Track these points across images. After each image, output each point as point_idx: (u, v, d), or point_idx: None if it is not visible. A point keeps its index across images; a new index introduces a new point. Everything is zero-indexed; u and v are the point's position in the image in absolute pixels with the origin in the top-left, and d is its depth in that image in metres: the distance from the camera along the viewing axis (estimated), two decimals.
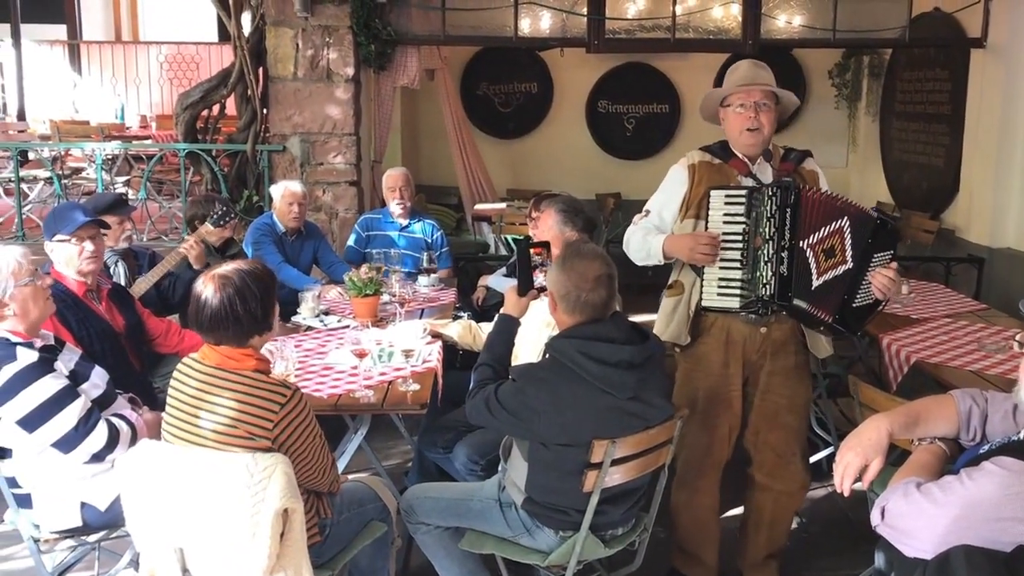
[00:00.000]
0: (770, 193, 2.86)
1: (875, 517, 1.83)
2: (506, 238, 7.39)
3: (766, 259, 2.87)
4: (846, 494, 1.95)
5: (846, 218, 2.75)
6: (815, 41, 6.63)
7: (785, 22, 6.51)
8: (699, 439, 3.10)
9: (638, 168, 9.57)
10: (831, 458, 4.11)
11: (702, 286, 3.01)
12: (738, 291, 2.95)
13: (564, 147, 9.74)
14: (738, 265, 2.94)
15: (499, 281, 4.81)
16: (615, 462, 2.50)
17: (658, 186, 3.19)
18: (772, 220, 2.85)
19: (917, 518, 1.73)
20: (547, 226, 3.68)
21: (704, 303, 3.01)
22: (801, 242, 2.83)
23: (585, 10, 6.43)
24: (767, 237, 2.87)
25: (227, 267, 2.41)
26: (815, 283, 2.81)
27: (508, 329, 2.89)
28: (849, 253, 2.74)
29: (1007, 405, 2.00)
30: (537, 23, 6.64)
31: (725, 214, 2.94)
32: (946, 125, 7.28)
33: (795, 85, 9.52)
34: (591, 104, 9.75)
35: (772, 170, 3.05)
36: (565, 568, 2.62)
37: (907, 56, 8.10)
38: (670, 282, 3.17)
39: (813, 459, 4.10)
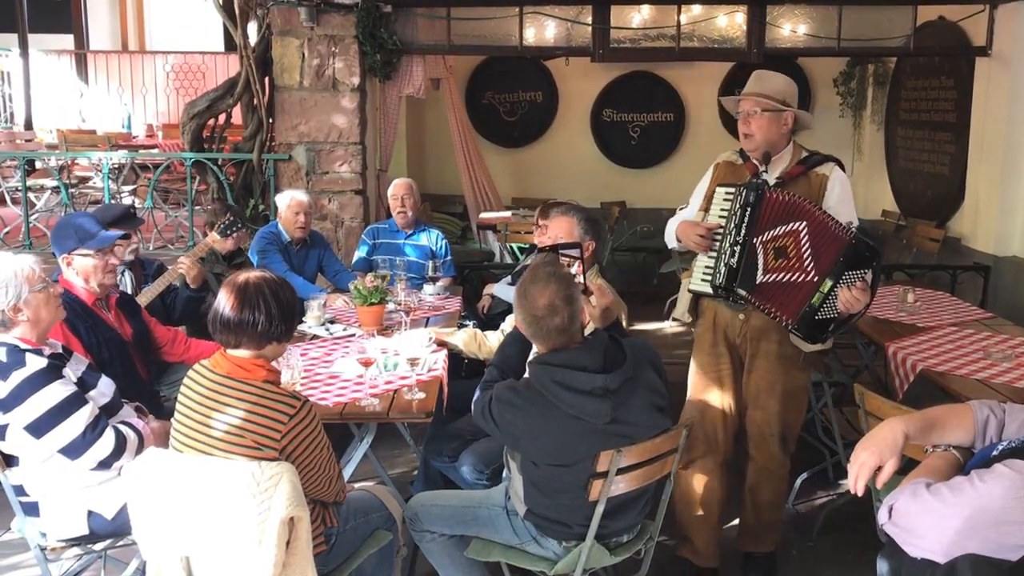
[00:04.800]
0: (739, 191, 3.07)
1: (882, 515, 1.81)
2: (511, 246, 7.41)
3: (722, 251, 3.10)
4: (859, 493, 1.92)
5: (804, 222, 2.96)
6: (820, 50, 6.62)
7: (790, 31, 6.52)
8: (694, 412, 3.29)
9: (643, 177, 9.59)
10: (836, 467, 4.11)
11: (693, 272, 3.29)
12: (711, 278, 3.17)
13: (569, 156, 9.75)
14: (716, 255, 3.17)
15: (504, 289, 4.81)
16: (618, 472, 2.49)
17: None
18: (735, 216, 3.06)
19: (925, 517, 1.72)
20: (566, 232, 3.66)
21: (690, 287, 3.29)
22: (755, 239, 3.02)
23: (590, 19, 6.46)
24: (728, 231, 3.08)
25: (252, 274, 2.44)
26: (760, 278, 3.03)
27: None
28: (809, 263, 2.94)
29: None
30: (542, 32, 6.66)
31: (721, 208, 3.18)
32: (951, 133, 7.28)
33: (800, 94, 9.51)
34: (596, 113, 9.77)
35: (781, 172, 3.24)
36: None
37: (912, 64, 8.11)
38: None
39: (816, 469, 4.10)
